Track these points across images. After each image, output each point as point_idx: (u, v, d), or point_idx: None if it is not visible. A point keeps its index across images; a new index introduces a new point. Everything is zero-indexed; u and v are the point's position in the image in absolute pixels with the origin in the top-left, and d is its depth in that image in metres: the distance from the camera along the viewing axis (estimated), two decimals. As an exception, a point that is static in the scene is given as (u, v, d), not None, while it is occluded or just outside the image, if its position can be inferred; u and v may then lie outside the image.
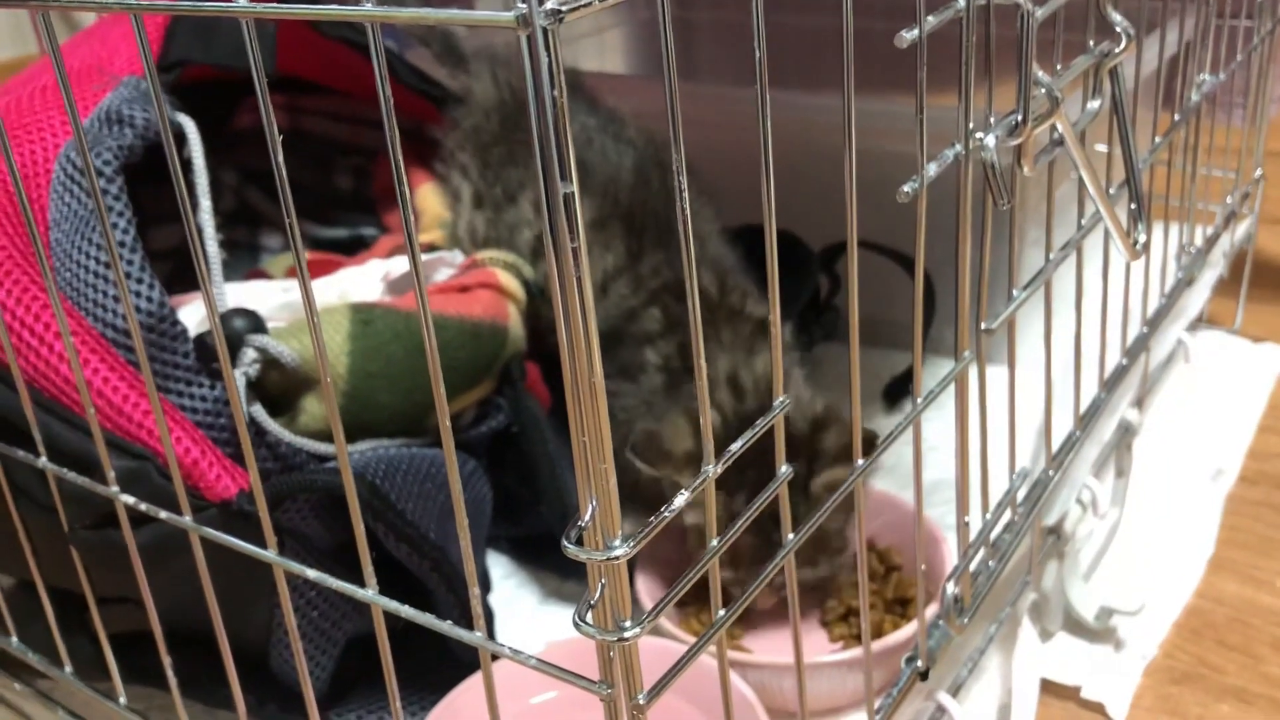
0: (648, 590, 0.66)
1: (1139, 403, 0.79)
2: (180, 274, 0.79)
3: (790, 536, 0.42)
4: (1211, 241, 0.93)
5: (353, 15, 0.31)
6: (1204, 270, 0.93)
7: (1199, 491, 0.82)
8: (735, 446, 0.37)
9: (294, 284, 0.74)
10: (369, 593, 0.41)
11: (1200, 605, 0.73)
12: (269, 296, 0.70)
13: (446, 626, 0.39)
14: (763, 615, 0.68)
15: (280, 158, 0.34)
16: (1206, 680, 0.68)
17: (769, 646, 0.66)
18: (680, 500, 0.35)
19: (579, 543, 0.33)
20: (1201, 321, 1.01)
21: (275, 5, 0.33)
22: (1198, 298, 0.92)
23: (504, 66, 0.87)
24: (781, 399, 0.39)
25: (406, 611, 0.40)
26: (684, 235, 0.33)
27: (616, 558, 0.33)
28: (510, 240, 0.78)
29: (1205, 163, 0.88)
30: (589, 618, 0.34)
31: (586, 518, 0.32)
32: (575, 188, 0.28)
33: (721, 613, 0.39)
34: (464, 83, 0.88)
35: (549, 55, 0.27)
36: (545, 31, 0.27)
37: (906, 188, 0.43)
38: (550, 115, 0.28)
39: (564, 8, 0.27)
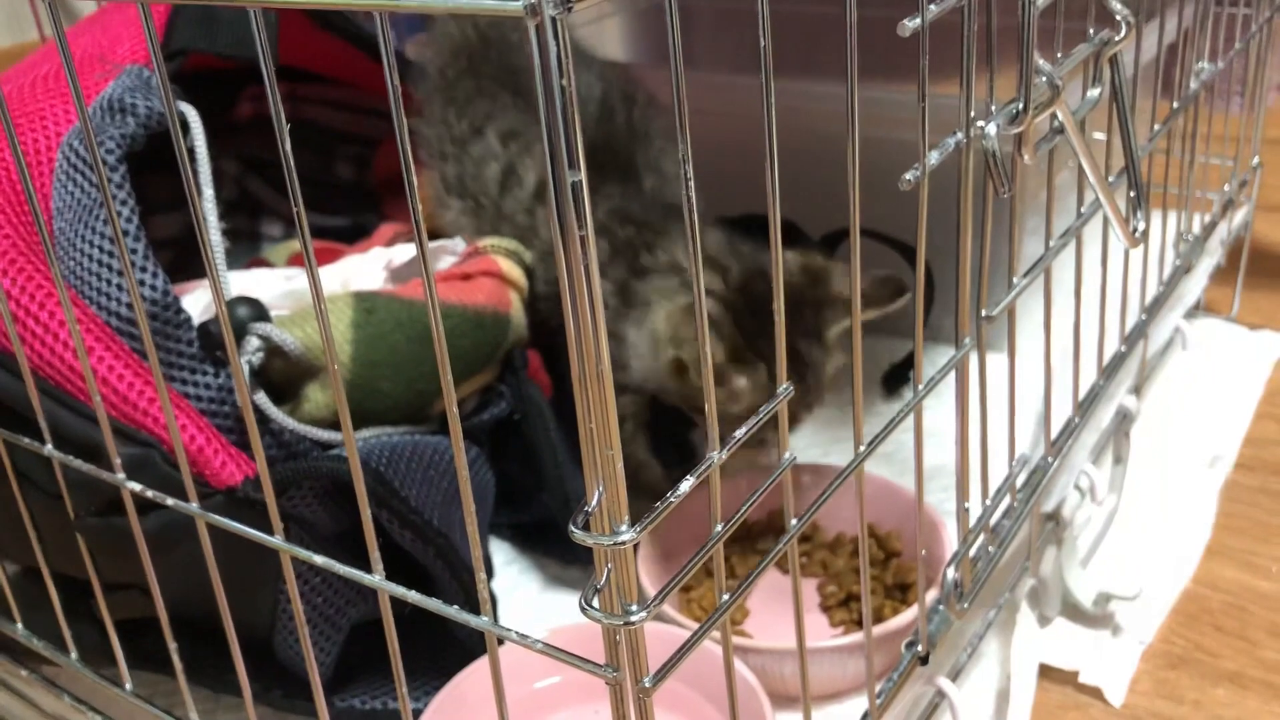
0: (646, 570, 0.67)
1: (1137, 390, 0.80)
2: (181, 263, 0.79)
3: (794, 521, 0.42)
4: (1209, 229, 0.94)
5: (361, 4, 0.31)
6: (1202, 258, 0.93)
7: (1196, 478, 0.83)
8: (740, 432, 0.38)
9: (296, 272, 0.74)
10: (376, 578, 0.41)
11: (1197, 591, 0.74)
12: (272, 285, 0.70)
13: (454, 611, 0.39)
14: (765, 600, 0.69)
15: (288, 147, 0.34)
16: (1203, 665, 0.68)
17: (769, 631, 0.66)
18: (685, 485, 0.35)
19: (586, 527, 0.33)
20: (1199, 309, 1.02)
21: (283, -5, 0.33)
22: (1195, 285, 0.93)
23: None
24: (785, 386, 0.40)
25: (414, 597, 0.40)
26: (690, 230, 0.33)
27: (623, 543, 0.33)
28: (476, 176, 0.77)
29: (1203, 150, 0.89)
30: (595, 602, 0.34)
31: (593, 503, 0.33)
32: (584, 176, 0.29)
33: (726, 597, 0.39)
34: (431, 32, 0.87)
35: (557, 44, 0.27)
36: (554, 20, 0.27)
37: (909, 175, 0.43)
38: (559, 104, 0.28)
39: (572, -3, 0.27)
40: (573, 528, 0.33)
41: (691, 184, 0.33)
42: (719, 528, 0.38)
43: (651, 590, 0.65)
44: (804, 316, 0.66)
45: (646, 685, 0.35)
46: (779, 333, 0.39)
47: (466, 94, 0.80)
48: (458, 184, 0.79)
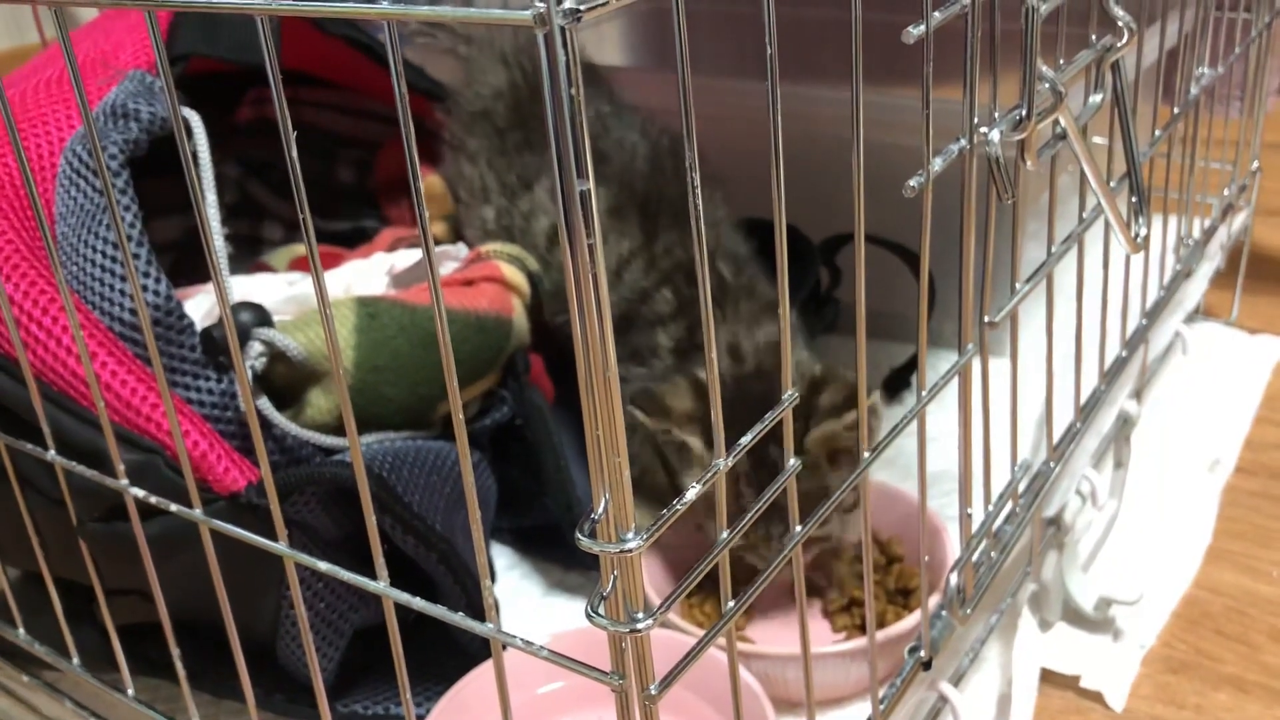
0: (648, 576, 0.67)
1: (1137, 394, 0.80)
2: (181, 267, 0.79)
3: (798, 529, 0.42)
4: (1209, 233, 0.94)
5: (369, 13, 0.31)
6: (1201, 262, 0.93)
7: (1196, 482, 0.83)
8: (745, 440, 0.38)
9: (298, 277, 0.74)
10: (380, 585, 0.41)
11: (1198, 595, 0.74)
12: (274, 290, 0.70)
13: (459, 618, 0.39)
14: (766, 606, 0.69)
15: (294, 153, 0.34)
16: (1204, 669, 0.68)
17: (772, 637, 0.66)
18: (691, 494, 0.35)
19: (592, 535, 0.33)
20: (1198, 313, 1.02)
21: (291, 3, 0.33)
22: (1195, 290, 0.93)
23: (507, 41, 0.86)
24: (790, 393, 0.40)
25: (418, 603, 0.40)
26: (696, 228, 0.33)
27: (630, 550, 0.33)
28: (526, 229, 0.78)
29: (1202, 155, 0.89)
30: (601, 609, 0.34)
31: (600, 510, 0.33)
32: (591, 185, 0.29)
33: (731, 604, 0.39)
34: (470, 54, 0.87)
35: (566, 54, 0.27)
36: (563, 30, 0.27)
37: (913, 182, 0.44)
38: (567, 113, 0.28)
39: (582, 6, 0.27)
40: (579, 535, 0.33)
41: (698, 190, 0.33)
42: (724, 534, 0.38)
43: (649, 595, 0.65)
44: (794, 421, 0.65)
45: (652, 693, 0.35)
46: (783, 335, 0.39)
47: (516, 145, 0.81)
48: (502, 232, 0.80)
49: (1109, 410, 0.75)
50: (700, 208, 0.33)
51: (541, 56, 0.28)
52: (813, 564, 0.69)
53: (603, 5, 0.28)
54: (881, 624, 0.65)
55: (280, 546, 0.44)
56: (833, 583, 0.69)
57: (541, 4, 0.27)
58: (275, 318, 0.62)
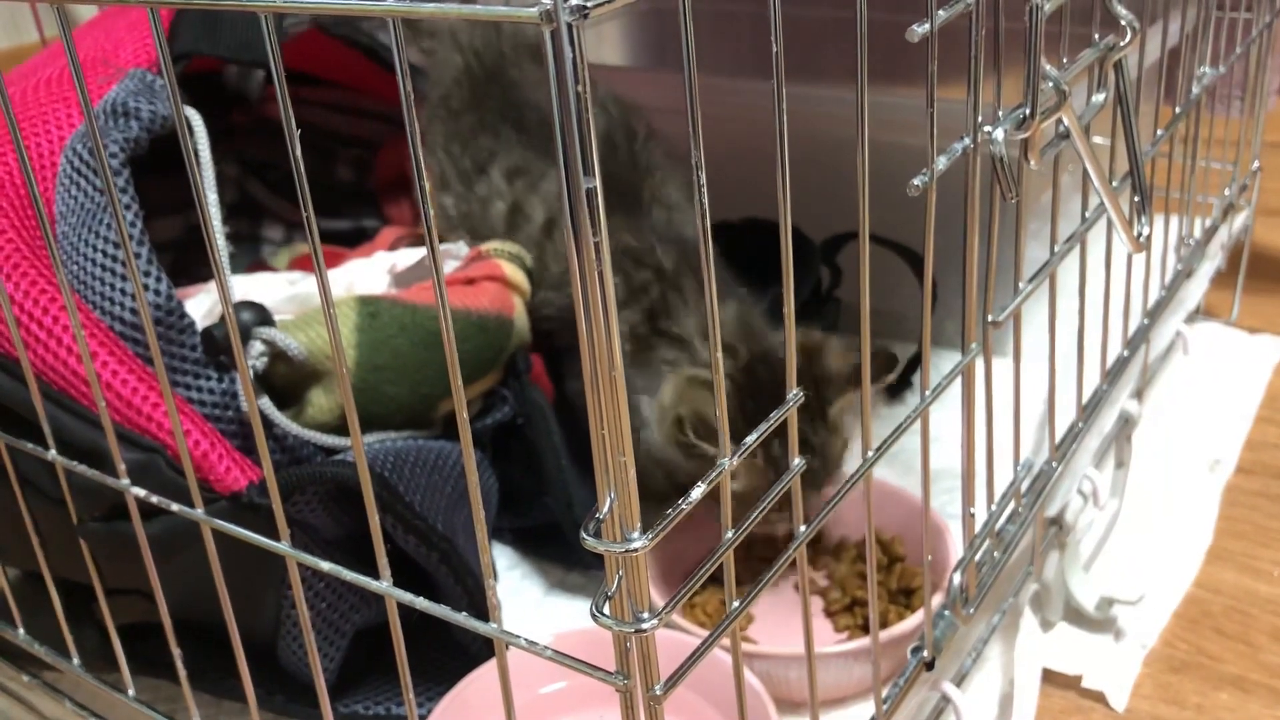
0: (649, 576, 0.67)
1: (1139, 394, 0.80)
2: (180, 267, 0.79)
3: (802, 528, 0.42)
4: (1210, 233, 0.94)
5: (374, 10, 0.31)
6: (1202, 262, 0.93)
7: (1197, 482, 0.83)
8: (750, 439, 0.38)
9: (299, 276, 0.74)
10: (383, 584, 0.41)
11: (1199, 595, 0.74)
12: (275, 289, 0.70)
13: (462, 618, 0.39)
14: (768, 606, 0.69)
15: (299, 152, 0.34)
16: (1205, 669, 0.68)
17: (773, 637, 0.66)
18: (697, 493, 0.35)
19: (597, 534, 0.33)
20: (1199, 313, 1.02)
21: (296, 0, 0.33)
22: (1196, 290, 0.93)
23: (464, 32, 0.85)
24: (795, 392, 0.40)
25: (421, 603, 0.40)
26: (702, 231, 0.33)
27: (635, 550, 0.33)
28: (483, 214, 0.77)
29: (1203, 155, 0.89)
30: (606, 609, 0.34)
31: (605, 510, 0.33)
32: (598, 182, 0.29)
33: (736, 604, 0.39)
34: (428, 48, 0.86)
35: (573, 51, 0.27)
36: (570, 27, 0.27)
37: (917, 181, 0.43)
38: (574, 110, 0.28)
39: (589, 3, 0.27)
40: (584, 534, 0.33)
41: (704, 190, 0.33)
42: (729, 534, 0.38)
43: (650, 594, 0.64)
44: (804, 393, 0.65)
45: (657, 693, 0.35)
46: (789, 338, 0.39)
47: (470, 127, 0.80)
48: (462, 219, 0.79)
49: (1110, 410, 0.75)
50: (706, 205, 0.33)
51: (548, 54, 0.27)
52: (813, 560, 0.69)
53: (609, 2, 0.28)
54: (883, 624, 0.65)
55: (282, 546, 0.44)
56: (834, 582, 0.69)
57: (548, 1, 0.27)
58: (276, 317, 0.62)
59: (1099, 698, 0.66)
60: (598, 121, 0.77)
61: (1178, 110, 0.78)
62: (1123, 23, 0.55)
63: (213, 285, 0.70)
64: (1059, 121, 0.52)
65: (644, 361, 0.68)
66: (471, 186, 0.78)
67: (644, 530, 0.33)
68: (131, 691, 0.58)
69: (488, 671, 0.58)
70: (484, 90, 0.81)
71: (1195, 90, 0.81)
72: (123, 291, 0.56)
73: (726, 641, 0.39)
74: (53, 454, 0.53)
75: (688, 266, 0.70)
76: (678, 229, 0.74)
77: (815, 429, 0.65)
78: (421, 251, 0.77)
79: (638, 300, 0.70)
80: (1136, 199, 0.60)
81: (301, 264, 0.84)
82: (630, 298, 0.70)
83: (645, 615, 0.34)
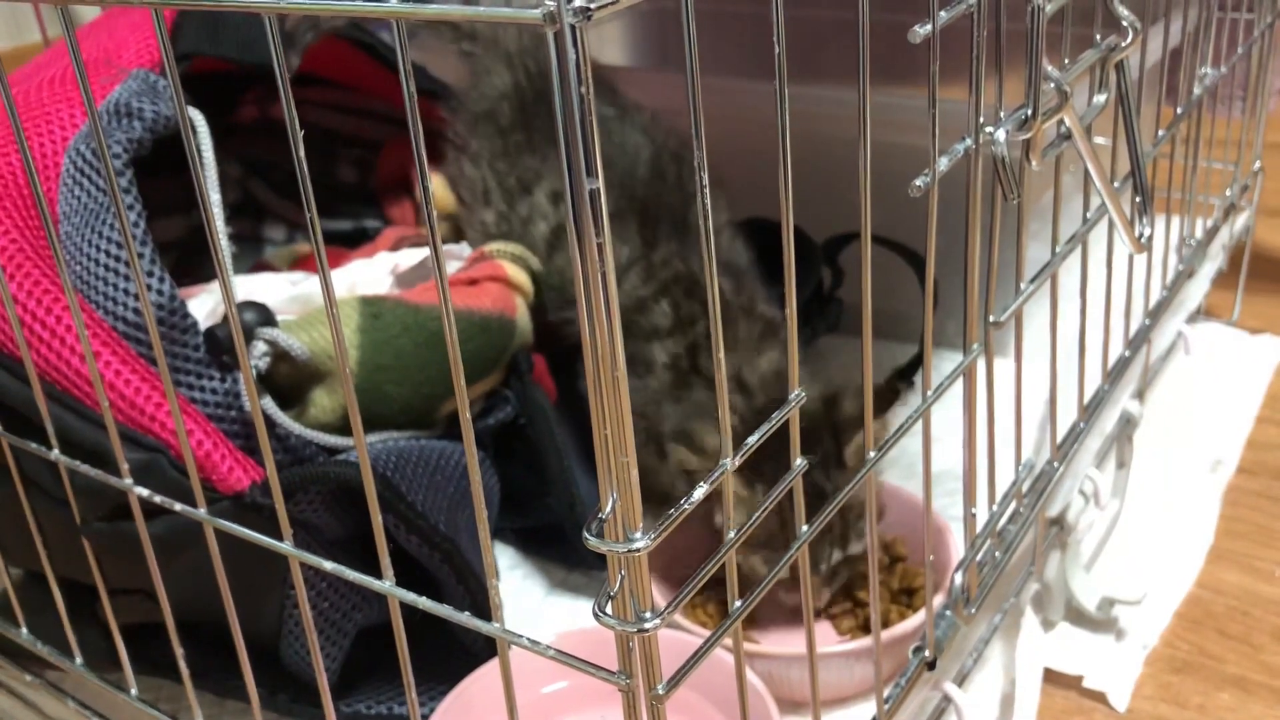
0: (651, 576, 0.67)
1: (1140, 394, 0.80)
2: (182, 267, 0.79)
3: (804, 528, 0.42)
4: (1211, 234, 0.94)
5: (378, 11, 0.31)
6: (1204, 262, 0.93)
7: (1198, 482, 0.83)
8: (752, 439, 0.38)
9: (302, 276, 0.74)
10: (386, 584, 0.41)
11: (1200, 595, 0.74)
12: (277, 289, 0.70)
13: (465, 617, 0.39)
14: (769, 606, 0.69)
15: (302, 153, 0.34)
16: (1207, 669, 0.68)
17: (775, 637, 0.66)
18: (699, 493, 0.35)
19: (599, 534, 0.33)
20: (1200, 313, 1.02)
21: (298, 1, 0.33)
22: (1197, 290, 0.93)
23: (513, 44, 0.85)
24: (797, 392, 0.40)
25: (424, 603, 0.40)
26: (705, 233, 0.33)
27: (637, 550, 0.33)
28: (523, 234, 0.77)
29: (1205, 155, 0.89)
30: (608, 609, 0.34)
31: (608, 510, 0.33)
32: (601, 184, 0.29)
33: (739, 604, 0.39)
34: (474, 51, 0.86)
35: (576, 52, 0.27)
36: (573, 29, 0.27)
37: (918, 182, 0.43)
38: (577, 112, 0.28)
39: (592, 5, 0.27)
40: (587, 534, 0.33)
41: (708, 190, 0.33)
42: (731, 534, 0.38)
43: (653, 593, 0.64)
44: (822, 443, 0.64)
45: (660, 693, 0.35)
46: (790, 335, 0.39)
47: (518, 147, 0.80)
48: (501, 236, 0.79)
49: (1112, 410, 0.75)
50: (710, 211, 0.33)
51: (551, 55, 0.28)
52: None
53: (613, 4, 0.28)
54: (885, 624, 0.65)
55: (285, 546, 0.44)
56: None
57: (551, 2, 0.27)
58: (279, 317, 0.62)
59: (1100, 698, 0.67)
60: (641, 149, 0.77)
61: (1179, 111, 0.78)
62: (1124, 23, 0.55)
63: (215, 285, 0.70)
64: (1060, 122, 0.52)
65: (677, 398, 0.68)
66: (514, 205, 0.79)
67: (646, 531, 0.33)
68: (134, 691, 0.58)
69: (490, 671, 0.58)
70: (533, 110, 0.81)
71: (1197, 91, 0.81)
72: (126, 291, 0.57)
73: (728, 641, 0.39)
74: (56, 454, 0.53)
75: (740, 306, 0.69)
76: (725, 254, 0.73)
77: (831, 477, 0.64)
78: (424, 252, 0.77)
79: (684, 332, 0.69)
80: (1138, 199, 0.60)
81: (303, 264, 0.84)
82: (676, 328, 0.69)
83: (648, 615, 0.34)
